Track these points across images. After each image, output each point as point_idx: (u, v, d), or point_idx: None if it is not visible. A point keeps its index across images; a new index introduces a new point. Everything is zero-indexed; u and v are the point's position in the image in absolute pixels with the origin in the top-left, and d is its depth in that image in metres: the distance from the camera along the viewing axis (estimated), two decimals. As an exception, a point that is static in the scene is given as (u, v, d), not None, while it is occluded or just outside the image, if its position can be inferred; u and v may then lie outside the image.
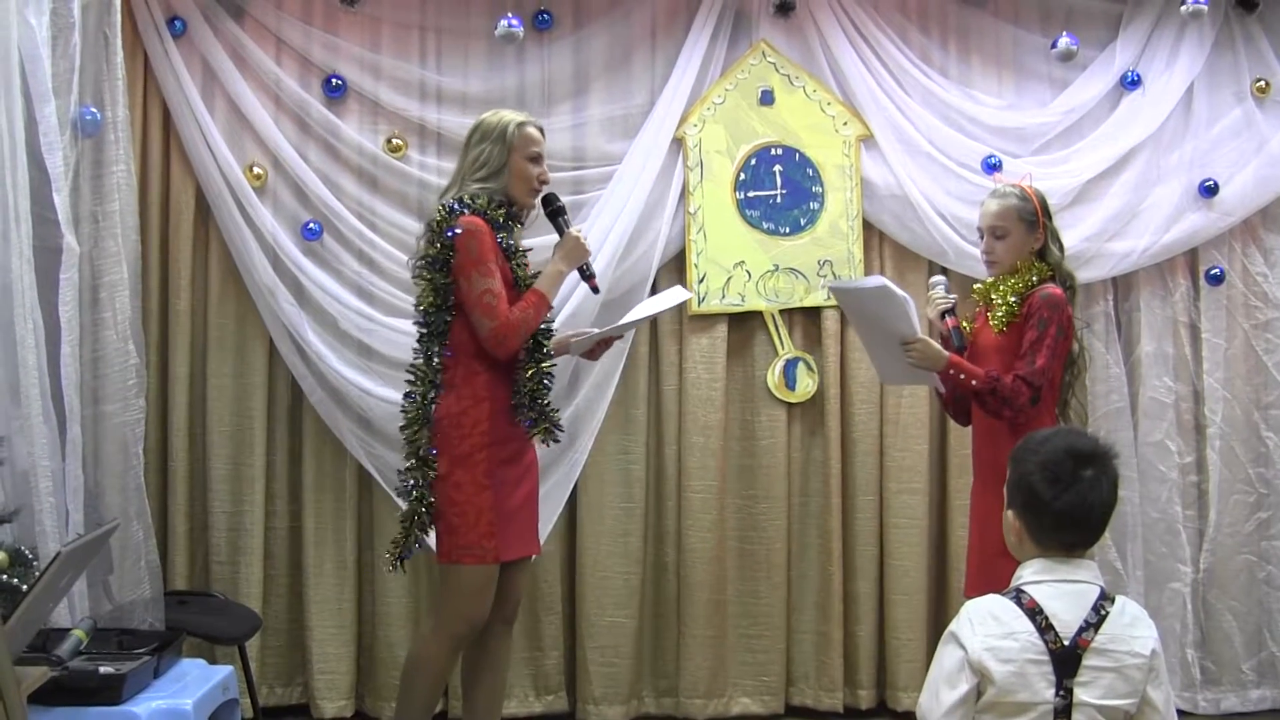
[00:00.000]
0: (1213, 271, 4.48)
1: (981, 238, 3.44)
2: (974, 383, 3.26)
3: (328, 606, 4.23)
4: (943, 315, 3.43)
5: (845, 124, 4.38)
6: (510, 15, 4.15)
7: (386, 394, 4.06)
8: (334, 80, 4.23)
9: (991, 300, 3.39)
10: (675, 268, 4.35)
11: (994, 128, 4.41)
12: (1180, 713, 2.34)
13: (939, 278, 3.59)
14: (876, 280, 3.40)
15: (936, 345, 3.30)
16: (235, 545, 4.21)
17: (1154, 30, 4.45)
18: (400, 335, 4.05)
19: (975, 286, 3.51)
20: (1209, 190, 4.41)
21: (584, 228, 4.20)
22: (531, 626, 4.32)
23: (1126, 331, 4.49)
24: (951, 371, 3.28)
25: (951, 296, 3.46)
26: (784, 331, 4.36)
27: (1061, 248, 3.46)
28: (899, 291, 3.28)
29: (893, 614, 4.35)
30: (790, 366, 4.35)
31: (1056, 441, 2.27)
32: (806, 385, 4.36)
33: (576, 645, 4.35)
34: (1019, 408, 3.24)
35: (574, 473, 4.24)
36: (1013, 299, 3.33)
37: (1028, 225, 3.39)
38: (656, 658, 4.40)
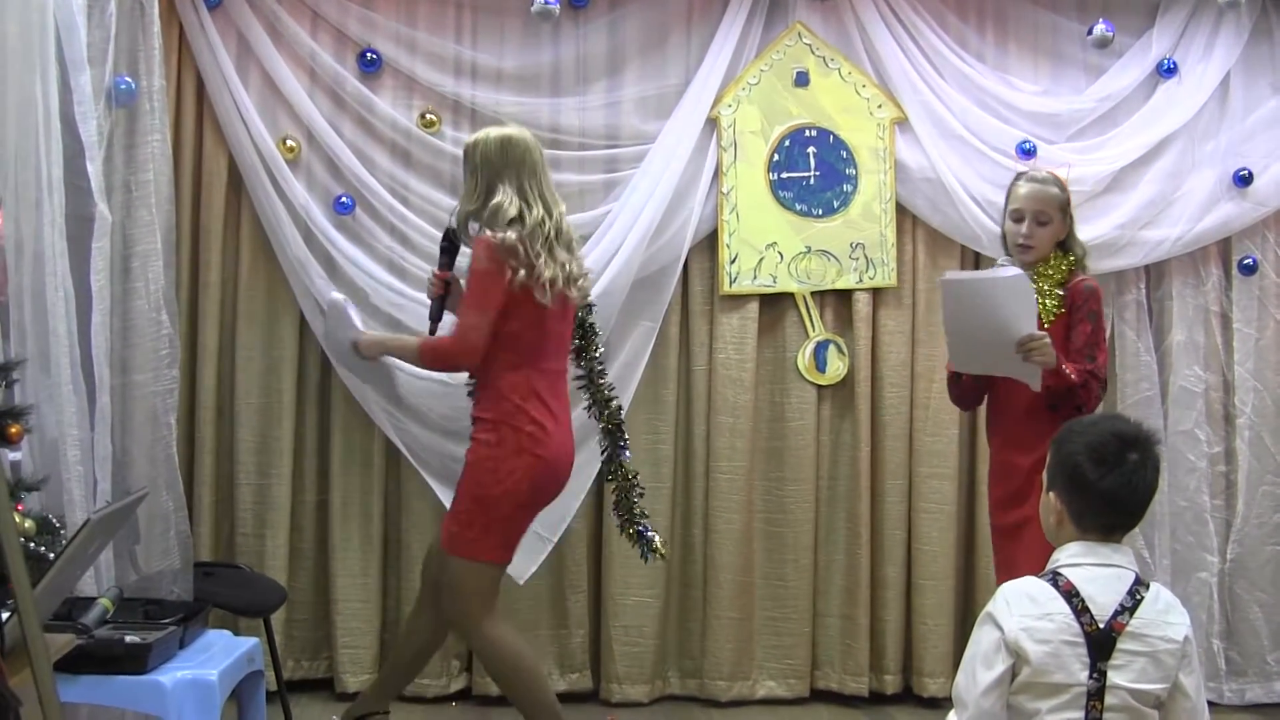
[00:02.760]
0: (1245, 261, 4.31)
1: (1016, 221, 3.24)
2: (1074, 377, 3.10)
3: (354, 581, 4.08)
4: None
5: (880, 107, 4.21)
6: None
7: (417, 370, 3.89)
8: (369, 54, 4.06)
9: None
10: (708, 247, 4.20)
11: (1029, 113, 4.24)
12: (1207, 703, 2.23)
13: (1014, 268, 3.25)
14: (1013, 271, 3.12)
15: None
16: (261, 518, 4.06)
17: (1191, 19, 4.28)
18: (431, 311, 3.88)
19: None
20: (1243, 180, 4.24)
21: (616, 205, 4.08)
22: (557, 604, 4.17)
23: (1158, 320, 4.32)
24: (1061, 367, 3.10)
25: None
26: (815, 313, 4.20)
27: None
28: (1030, 285, 3.09)
29: (920, 600, 4.19)
30: (821, 349, 4.19)
31: (1103, 425, 2.26)
32: (837, 368, 4.20)
33: (601, 624, 4.20)
34: (1094, 402, 3.14)
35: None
36: (1059, 292, 3.17)
37: (1063, 215, 3.24)
38: (682, 638, 4.25)
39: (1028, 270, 3.20)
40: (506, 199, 3.14)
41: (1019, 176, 3.33)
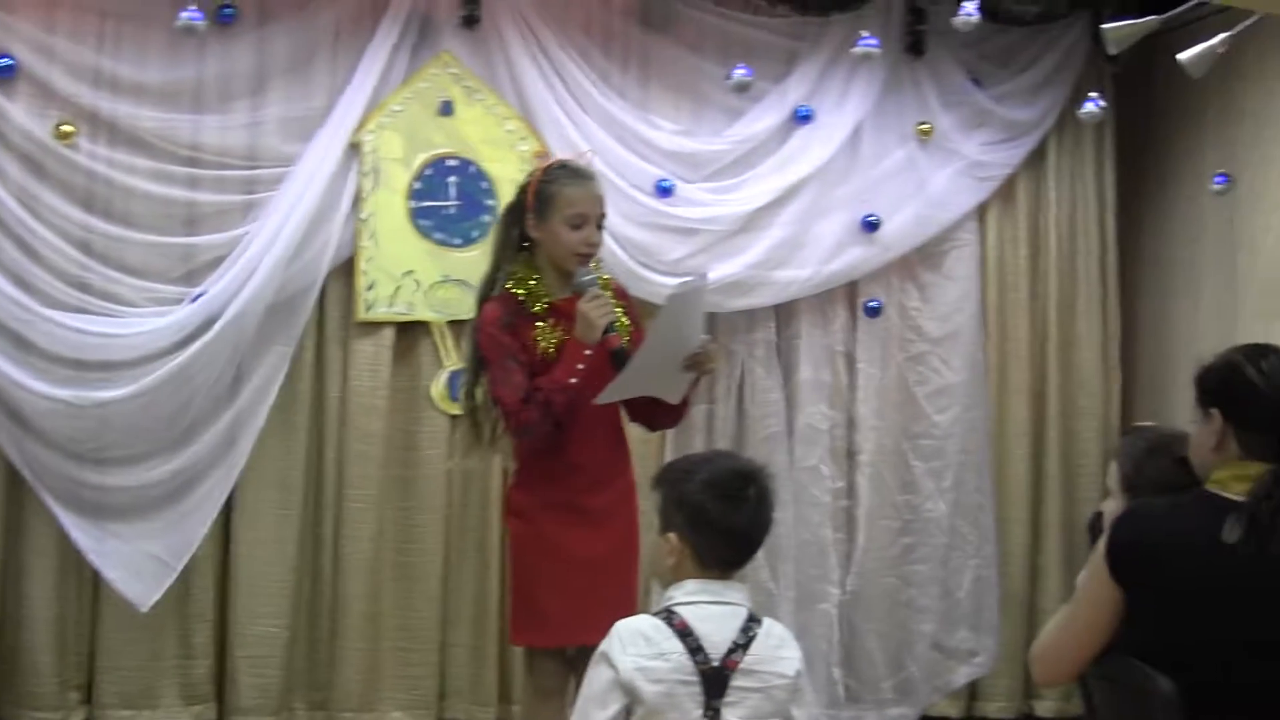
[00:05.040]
0: (870, 304, 6.77)
1: (577, 228, 4.47)
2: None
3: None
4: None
5: (523, 140, 6.38)
6: (192, 7, 5.56)
7: (43, 389, 5.73)
8: (4, 60, 5.76)
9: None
10: (345, 273, 6.23)
11: (669, 152, 6.53)
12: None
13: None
14: (703, 275, 4.91)
15: None
16: None
17: (827, 67, 6.70)
18: (60, 329, 5.74)
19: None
20: (871, 226, 6.68)
21: (254, 227, 6.00)
22: (181, 633, 6.05)
23: (787, 358, 6.72)
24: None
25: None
26: (450, 342, 6.28)
27: None
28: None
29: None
30: (454, 378, 6.19)
31: (719, 463, 3.34)
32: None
33: (227, 654, 6.12)
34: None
35: (231, 475, 6.00)
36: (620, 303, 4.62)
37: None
38: (309, 668, 6.22)
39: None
40: None
41: (554, 171, 4.64)
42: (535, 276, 4.56)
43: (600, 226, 4.59)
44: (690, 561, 3.14)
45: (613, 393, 4.38)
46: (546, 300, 4.52)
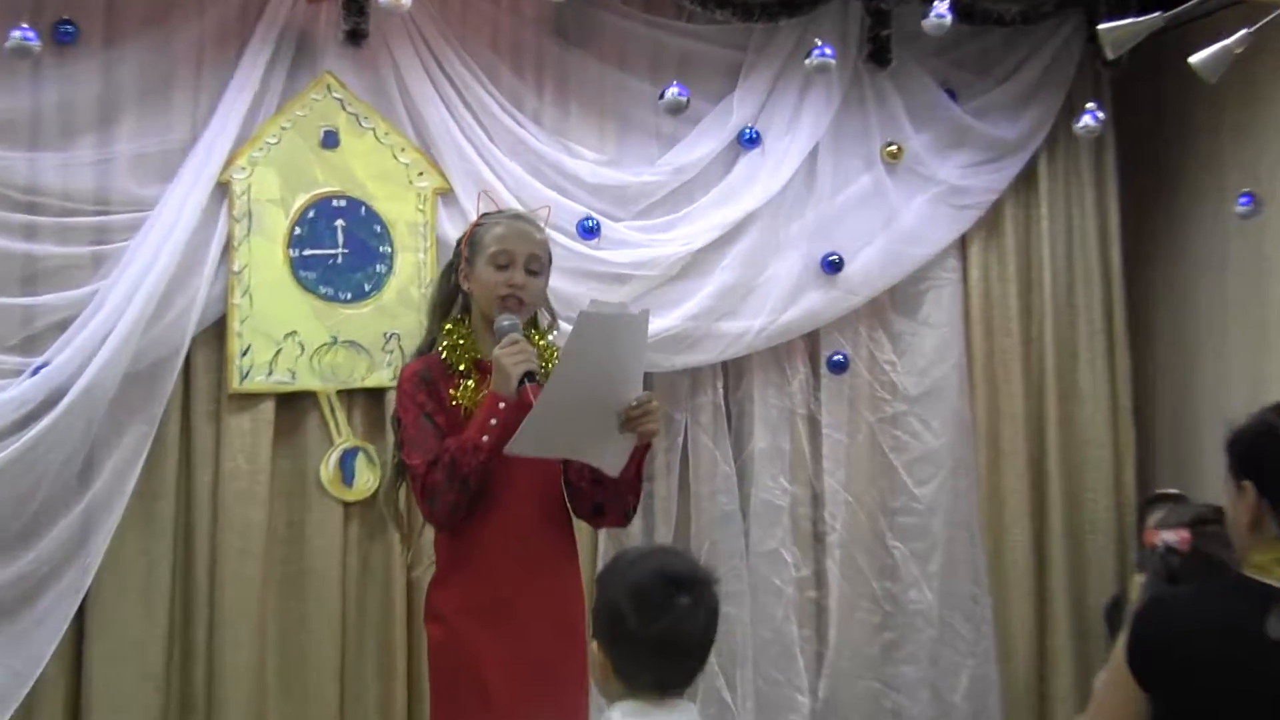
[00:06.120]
0: (835, 358, 6.99)
1: (501, 268, 4.64)
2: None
3: None
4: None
5: (421, 174, 6.56)
6: (24, 24, 5.63)
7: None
8: None
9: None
10: (215, 336, 6.33)
11: (592, 185, 6.72)
12: None
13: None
14: (637, 308, 4.57)
15: None
16: None
17: (777, 83, 6.94)
18: None
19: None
20: (833, 266, 6.90)
21: (106, 284, 6.07)
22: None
23: (737, 425, 6.90)
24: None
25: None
26: (341, 416, 6.43)
27: None
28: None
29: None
30: (348, 458, 6.40)
31: (649, 563, 3.31)
32: (366, 480, 6.42)
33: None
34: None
35: (85, 579, 6.02)
36: None
37: (549, 271, 4.82)
38: (180, 796, 6.35)
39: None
40: None
41: (490, 216, 4.86)
42: (466, 333, 4.72)
43: (534, 272, 4.69)
44: (615, 678, 3.24)
45: (524, 442, 4.28)
46: (472, 356, 4.68)
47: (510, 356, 4.40)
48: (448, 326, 4.76)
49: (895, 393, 7.02)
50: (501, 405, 4.40)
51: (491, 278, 4.62)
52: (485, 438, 4.38)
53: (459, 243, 4.85)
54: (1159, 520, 3.92)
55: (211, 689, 6.28)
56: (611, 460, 4.46)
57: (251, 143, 6.37)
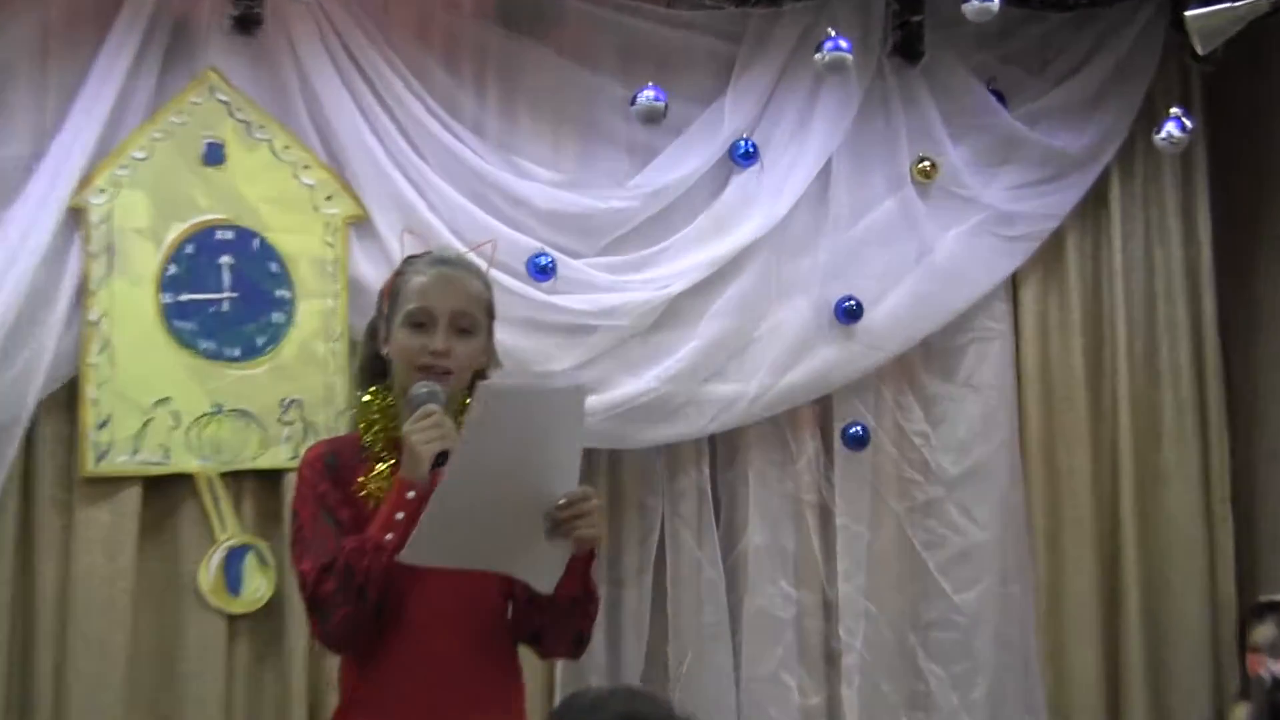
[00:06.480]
0: (853, 430, 6.06)
1: (417, 326, 4.02)
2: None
3: None
4: None
5: (329, 199, 5.72)
6: None
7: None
8: None
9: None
10: (65, 403, 5.52)
11: (547, 212, 5.85)
12: None
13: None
14: (567, 382, 4.39)
15: None
16: None
17: (779, 83, 6.05)
18: None
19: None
20: (849, 314, 5.99)
21: None
22: None
23: (728, 515, 5.99)
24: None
25: None
26: (226, 506, 5.58)
27: None
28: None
29: None
30: (235, 559, 5.56)
31: (614, 706, 2.88)
32: (257, 587, 5.58)
33: None
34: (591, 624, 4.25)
35: None
36: None
37: (490, 325, 4.16)
38: None
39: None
40: None
41: (412, 261, 4.12)
42: (384, 405, 3.99)
43: (465, 330, 3.89)
44: None
45: (419, 549, 3.60)
46: (390, 435, 3.94)
47: (422, 433, 3.67)
48: (365, 398, 3.99)
49: (929, 474, 6.13)
50: (410, 495, 3.68)
51: (407, 342, 3.86)
52: (389, 536, 3.65)
53: (380, 295, 4.00)
54: (1268, 641, 3.76)
55: None
56: (542, 574, 3.72)
57: (113, 158, 5.60)
